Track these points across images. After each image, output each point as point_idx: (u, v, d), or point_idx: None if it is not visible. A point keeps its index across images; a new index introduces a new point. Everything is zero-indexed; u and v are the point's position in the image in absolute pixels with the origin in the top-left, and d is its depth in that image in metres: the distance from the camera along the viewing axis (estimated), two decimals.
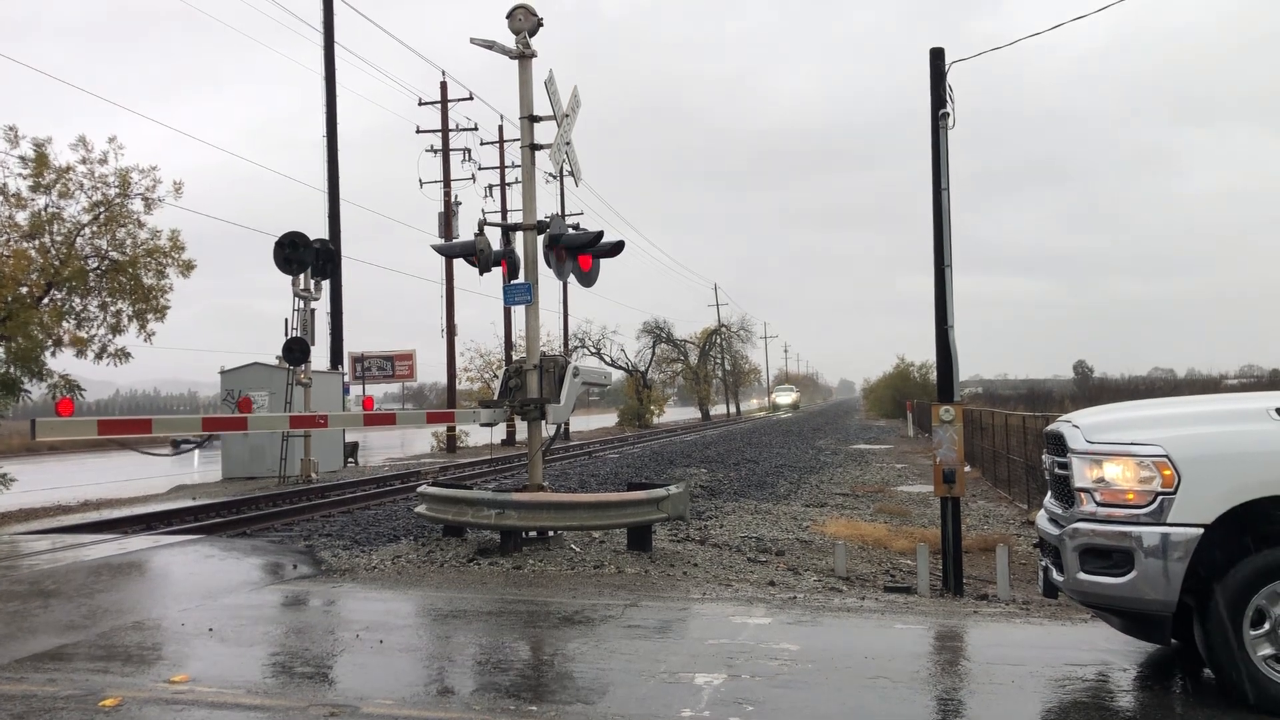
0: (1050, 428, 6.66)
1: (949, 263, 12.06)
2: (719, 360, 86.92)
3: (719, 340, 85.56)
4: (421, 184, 39.02)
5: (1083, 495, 5.77)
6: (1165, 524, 5.40)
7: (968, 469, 20.79)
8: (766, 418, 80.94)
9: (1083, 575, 5.71)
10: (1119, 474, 5.61)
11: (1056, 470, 6.28)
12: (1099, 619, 6.72)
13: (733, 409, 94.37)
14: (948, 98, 12.08)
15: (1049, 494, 6.61)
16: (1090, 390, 68.05)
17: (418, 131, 39.53)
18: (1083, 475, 5.78)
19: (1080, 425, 6.07)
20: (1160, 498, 5.44)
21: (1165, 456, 5.45)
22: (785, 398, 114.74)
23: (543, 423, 12.29)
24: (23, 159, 18.51)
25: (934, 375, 14.50)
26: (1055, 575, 6.09)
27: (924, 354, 72.06)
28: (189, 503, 19.14)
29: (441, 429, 39.63)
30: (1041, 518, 6.61)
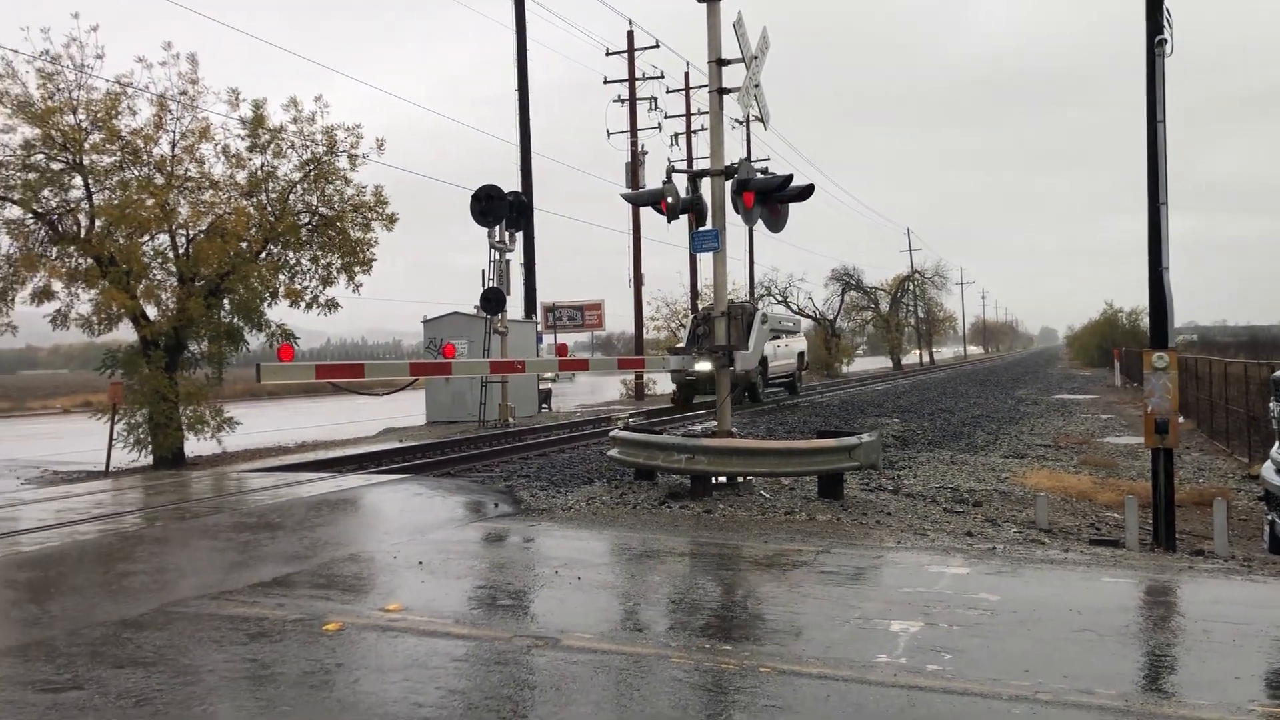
0: (1278, 374, 6.21)
1: (1164, 200, 11.32)
2: (911, 308, 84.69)
3: (911, 287, 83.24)
4: (609, 134, 39.35)
5: None
6: None
7: (1181, 420, 19.56)
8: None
9: None
10: None
11: None
12: None
13: (926, 358, 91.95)
14: (1165, 23, 11.29)
15: (1276, 444, 6.19)
16: None
17: (605, 82, 39.79)
18: None
19: None
20: None
21: None
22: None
23: (730, 369, 12.31)
24: (242, 120, 19.67)
25: (1144, 321, 13.75)
26: None
27: (1133, 299, 68.23)
28: (396, 445, 20.19)
29: (630, 377, 40.37)
30: (1268, 469, 6.20)
